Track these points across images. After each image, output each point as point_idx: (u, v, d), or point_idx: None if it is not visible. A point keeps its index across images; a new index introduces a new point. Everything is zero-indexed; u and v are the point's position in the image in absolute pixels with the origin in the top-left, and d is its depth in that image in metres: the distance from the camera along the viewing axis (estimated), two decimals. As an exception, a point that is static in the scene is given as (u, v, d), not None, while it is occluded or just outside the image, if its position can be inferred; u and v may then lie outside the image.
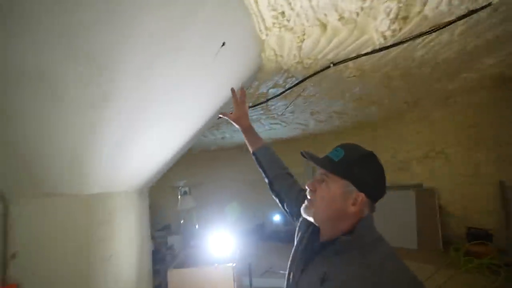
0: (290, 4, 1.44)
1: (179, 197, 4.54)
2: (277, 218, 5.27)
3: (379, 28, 1.77)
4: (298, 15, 1.53)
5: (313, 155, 0.69)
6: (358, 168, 0.63)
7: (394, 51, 2.11)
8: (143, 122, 1.43)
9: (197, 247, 2.59)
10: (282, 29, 1.65)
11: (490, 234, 3.17)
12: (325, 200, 0.64)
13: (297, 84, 2.60)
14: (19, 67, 0.99)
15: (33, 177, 1.31)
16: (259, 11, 1.47)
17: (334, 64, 2.21)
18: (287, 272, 0.72)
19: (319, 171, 0.66)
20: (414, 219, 3.90)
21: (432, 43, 2.09)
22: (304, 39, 1.80)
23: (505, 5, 1.65)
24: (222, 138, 5.09)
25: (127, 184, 1.64)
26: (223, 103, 2.04)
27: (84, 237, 1.35)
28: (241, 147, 6.04)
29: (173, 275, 1.68)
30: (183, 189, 4.63)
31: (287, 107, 3.36)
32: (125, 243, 1.53)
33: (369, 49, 2.04)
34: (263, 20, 1.55)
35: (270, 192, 1.03)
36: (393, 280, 0.54)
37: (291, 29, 1.66)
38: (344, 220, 0.64)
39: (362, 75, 2.54)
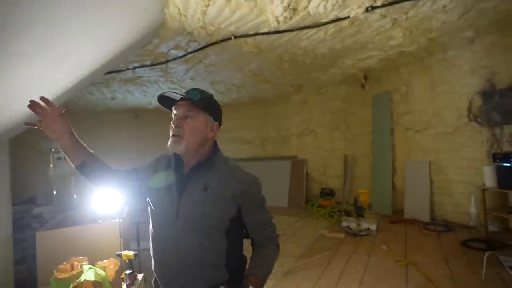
0: (197, -36, 1.47)
1: (51, 162, 3.83)
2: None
3: (274, 12, 2.03)
4: (204, -22, 1.58)
5: (174, 97, 0.80)
6: (211, 104, 0.85)
7: (285, 36, 2.47)
8: (10, 55, 1.19)
9: (78, 211, 2.36)
10: (188, -12, 1.67)
11: (333, 191, 4.37)
12: (193, 131, 0.80)
13: (199, 49, 2.64)
14: None
15: None
16: (165, -39, 1.44)
17: (236, 37, 2.38)
18: (156, 208, 0.83)
19: (182, 109, 0.80)
20: (287, 184, 4.79)
21: (313, 37, 2.55)
22: (209, 4, 1.87)
23: (358, 20, 2.23)
24: (112, 98, 4.53)
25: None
26: (118, 51, 1.89)
27: None
28: (134, 111, 5.52)
29: (42, 238, 1.50)
30: (57, 155, 3.90)
31: (187, 71, 3.35)
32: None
33: (265, 30, 2.31)
34: (169, -28, 1.52)
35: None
36: (247, 175, 0.84)
37: (197, -10, 1.70)
38: (206, 144, 0.85)
39: (259, 53, 2.83)
